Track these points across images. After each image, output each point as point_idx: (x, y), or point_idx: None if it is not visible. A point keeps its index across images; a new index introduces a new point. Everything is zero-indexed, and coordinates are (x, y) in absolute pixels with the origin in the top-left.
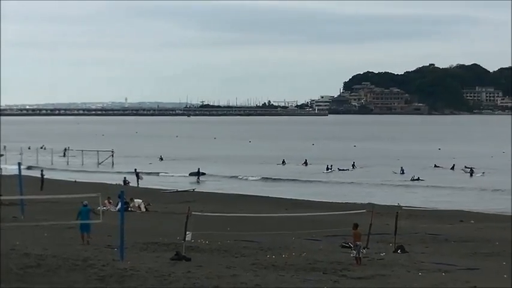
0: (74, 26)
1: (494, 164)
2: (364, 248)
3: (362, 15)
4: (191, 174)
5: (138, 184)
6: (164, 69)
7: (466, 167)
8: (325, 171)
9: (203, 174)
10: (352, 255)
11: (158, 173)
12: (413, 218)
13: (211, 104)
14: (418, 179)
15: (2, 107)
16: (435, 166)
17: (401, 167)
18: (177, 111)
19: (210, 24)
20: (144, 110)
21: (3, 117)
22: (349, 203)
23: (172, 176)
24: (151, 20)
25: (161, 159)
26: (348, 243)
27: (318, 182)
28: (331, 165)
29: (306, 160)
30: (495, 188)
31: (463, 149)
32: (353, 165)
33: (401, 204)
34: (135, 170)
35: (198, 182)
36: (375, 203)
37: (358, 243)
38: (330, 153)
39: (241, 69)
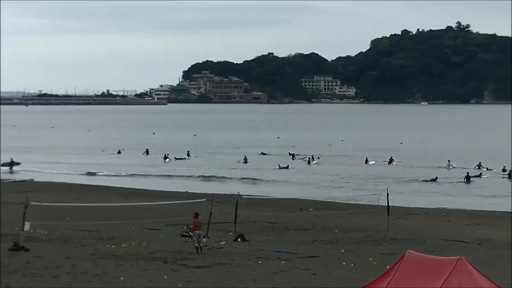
0: None
1: (333, 151)
2: (204, 237)
3: (200, 3)
4: (3, 165)
5: None
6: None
7: (289, 153)
8: (165, 161)
9: (17, 164)
10: (194, 244)
11: None
12: (253, 206)
13: (49, 93)
14: (287, 167)
15: None
16: (262, 154)
17: (245, 156)
18: (14, 101)
19: (47, 11)
20: None
21: None
22: (189, 192)
23: None
24: None
25: None
26: (188, 232)
27: (158, 171)
28: (168, 154)
29: (147, 149)
30: (332, 176)
31: (301, 137)
32: (188, 154)
33: (241, 193)
34: None
35: (11, 172)
36: (215, 192)
37: (198, 232)
38: (171, 142)
39: (80, 57)
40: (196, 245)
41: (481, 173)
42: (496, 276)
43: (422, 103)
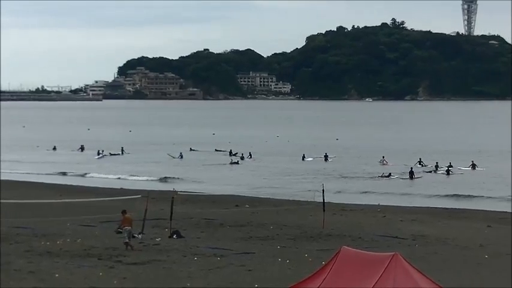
0: None
1: (268, 148)
2: (139, 234)
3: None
4: None
5: None
6: None
7: (216, 149)
8: (97, 157)
9: None
10: (124, 240)
11: None
12: (189, 203)
13: None
14: (237, 163)
15: None
16: (191, 150)
17: (180, 152)
18: None
19: None
20: None
21: None
22: (124, 188)
23: None
24: None
25: None
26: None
27: (93, 168)
28: (103, 150)
29: (82, 145)
30: (268, 172)
31: (237, 133)
32: (122, 150)
33: (176, 189)
34: None
35: None
36: (151, 188)
37: (127, 228)
38: (106, 139)
39: (13, 53)
40: (126, 241)
41: (445, 168)
42: (430, 272)
43: (367, 99)
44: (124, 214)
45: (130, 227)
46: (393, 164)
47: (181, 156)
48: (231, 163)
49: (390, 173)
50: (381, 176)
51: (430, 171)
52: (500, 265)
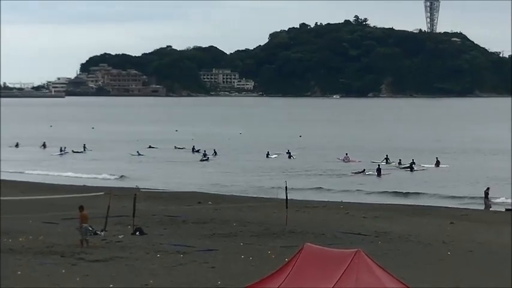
0: None
1: (232, 145)
2: (102, 231)
3: None
4: None
5: None
6: None
7: (175, 146)
8: (58, 153)
9: None
10: (81, 237)
11: None
12: (152, 199)
13: None
14: (207, 160)
15: None
16: (150, 147)
17: (137, 151)
18: None
19: None
20: None
21: None
22: (87, 185)
23: None
24: None
25: None
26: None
27: (55, 164)
28: (65, 147)
29: (44, 142)
30: (231, 169)
31: (200, 130)
32: (84, 148)
33: (139, 187)
34: None
35: None
36: (113, 185)
37: (84, 225)
38: (68, 136)
39: None
40: (84, 237)
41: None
42: (393, 268)
43: (334, 96)
44: (81, 211)
45: (87, 224)
46: (360, 160)
47: (139, 154)
48: (201, 160)
49: (364, 169)
50: (355, 173)
51: (397, 168)
52: (462, 261)
